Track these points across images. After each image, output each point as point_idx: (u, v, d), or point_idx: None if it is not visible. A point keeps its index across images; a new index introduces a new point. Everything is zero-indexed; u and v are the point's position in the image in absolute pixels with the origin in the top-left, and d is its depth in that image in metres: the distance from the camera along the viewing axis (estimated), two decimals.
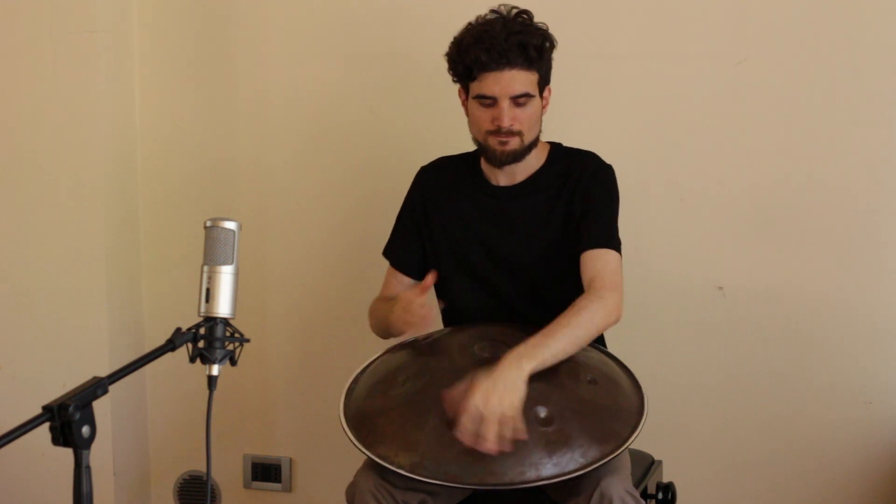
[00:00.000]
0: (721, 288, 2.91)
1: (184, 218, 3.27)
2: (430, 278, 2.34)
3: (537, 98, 2.38)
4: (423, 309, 2.31)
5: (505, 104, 2.34)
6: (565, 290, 2.42)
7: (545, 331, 2.17)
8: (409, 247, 2.58)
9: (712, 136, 2.89)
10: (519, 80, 2.33)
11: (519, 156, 2.41)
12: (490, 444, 2.00)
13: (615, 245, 2.38)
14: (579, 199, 2.42)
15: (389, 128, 3.11)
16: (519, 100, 2.34)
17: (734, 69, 2.84)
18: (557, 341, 2.15)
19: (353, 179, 3.16)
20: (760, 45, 2.83)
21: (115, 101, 3.21)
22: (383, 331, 2.53)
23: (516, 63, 2.32)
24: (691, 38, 2.89)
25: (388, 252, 2.62)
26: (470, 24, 2.40)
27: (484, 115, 2.38)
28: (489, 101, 2.35)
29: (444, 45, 2.46)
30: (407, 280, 2.58)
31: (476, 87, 2.37)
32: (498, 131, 2.36)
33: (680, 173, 2.91)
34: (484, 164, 2.52)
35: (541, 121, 2.43)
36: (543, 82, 2.40)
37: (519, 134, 2.37)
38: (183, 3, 3.22)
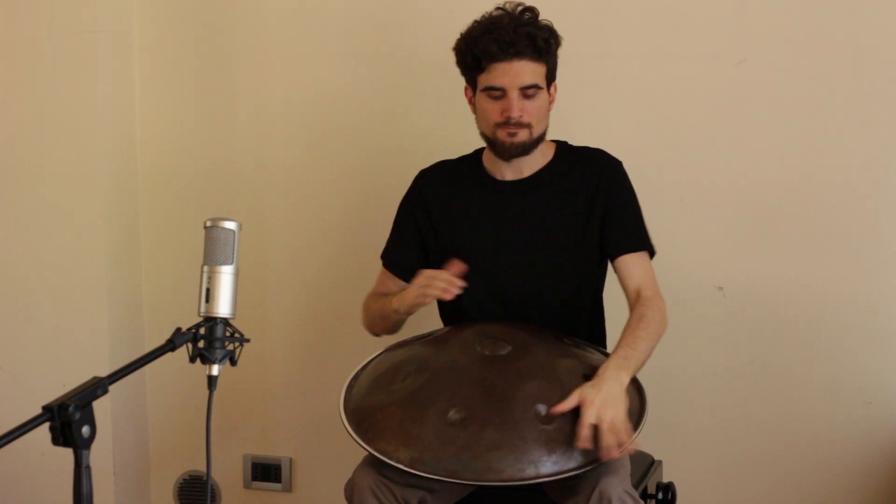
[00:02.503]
0: (721, 288, 2.91)
1: (184, 218, 3.27)
2: (459, 267, 2.36)
3: (545, 91, 2.40)
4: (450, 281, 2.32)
5: (514, 95, 2.36)
6: (571, 286, 2.43)
7: (627, 342, 2.27)
8: (406, 251, 2.57)
9: (712, 136, 2.89)
10: (528, 71, 2.35)
11: (528, 148, 2.42)
12: (612, 453, 2.08)
13: (649, 245, 2.47)
14: (600, 200, 2.45)
15: (389, 128, 3.11)
16: (528, 91, 2.36)
17: (734, 69, 2.84)
18: (640, 352, 2.27)
19: (353, 179, 3.16)
20: (760, 45, 2.83)
21: (115, 101, 3.21)
22: (378, 322, 2.54)
23: (525, 54, 2.34)
24: (691, 38, 2.89)
25: (386, 256, 2.62)
26: (476, 20, 2.42)
27: (493, 108, 2.39)
28: (498, 94, 2.37)
29: (446, 45, 2.46)
30: (401, 284, 2.57)
31: (484, 80, 2.38)
32: (507, 122, 2.38)
33: (680, 173, 2.91)
34: (487, 161, 2.53)
35: (548, 116, 2.44)
36: (550, 76, 2.42)
37: (528, 126, 2.39)
38: (183, 3, 3.22)
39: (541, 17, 2.41)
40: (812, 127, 2.83)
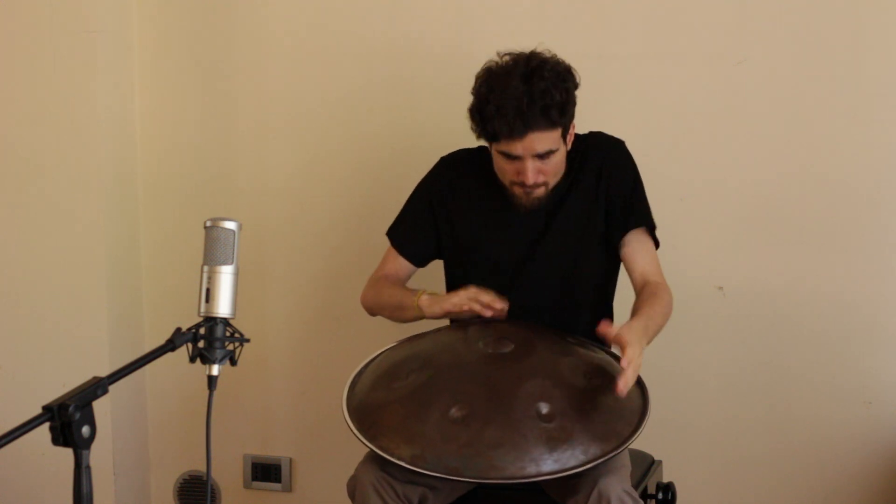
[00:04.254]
0: (721, 288, 2.91)
1: (184, 218, 3.27)
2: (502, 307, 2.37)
3: (562, 147, 2.38)
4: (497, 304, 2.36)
5: (529, 161, 2.33)
6: (579, 279, 2.44)
7: (644, 312, 2.29)
8: (417, 234, 2.57)
9: (712, 135, 2.89)
10: (542, 140, 2.32)
11: (544, 200, 2.42)
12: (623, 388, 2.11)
13: (650, 221, 2.47)
14: (603, 186, 2.46)
15: (390, 128, 3.11)
16: (543, 156, 2.34)
17: (734, 69, 2.84)
18: (655, 326, 2.29)
19: (354, 179, 3.16)
20: (760, 45, 2.83)
21: (115, 101, 3.21)
22: (388, 310, 2.53)
23: (539, 127, 2.29)
24: (691, 38, 2.89)
25: (393, 234, 2.60)
26: (489, 74, 2.35)
27: (508, 168, 2.37)
28: (513, 158, 2.35)
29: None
30: (406, 265, 2.57)
31: (500, 146, 2.35)
32: (523, 184, 2.37)
33: (680, 173, 2.91)
34: None
35: (565, 159, 2.42)
36: (566, 131, 2.38)
37: (544, 184, 2.39)
38: (183, 3, 3.22)
39: (556, 62, 2.34)
40: (812, 127, 2.83)
